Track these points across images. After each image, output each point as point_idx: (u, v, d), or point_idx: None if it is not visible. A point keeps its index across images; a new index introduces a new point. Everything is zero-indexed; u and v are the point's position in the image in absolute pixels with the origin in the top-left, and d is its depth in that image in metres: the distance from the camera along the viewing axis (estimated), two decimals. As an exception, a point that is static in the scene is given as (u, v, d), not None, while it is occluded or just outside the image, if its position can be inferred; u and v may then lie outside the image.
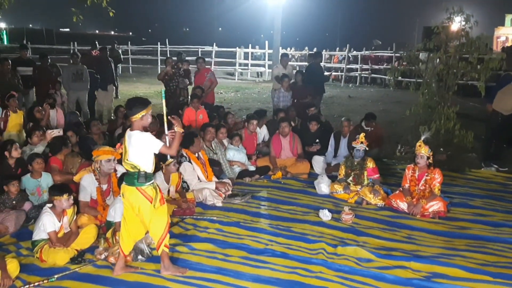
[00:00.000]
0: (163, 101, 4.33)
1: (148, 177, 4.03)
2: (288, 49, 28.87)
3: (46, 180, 5.71)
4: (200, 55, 20.43)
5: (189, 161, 6.37)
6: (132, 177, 4.02)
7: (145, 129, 4.11)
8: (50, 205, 4.67)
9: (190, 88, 11.02)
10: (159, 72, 16.58)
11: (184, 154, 6.40)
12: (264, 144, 8.35)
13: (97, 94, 11.48)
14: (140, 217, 4.10)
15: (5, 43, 40.59)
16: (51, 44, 31.12)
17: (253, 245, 4.88)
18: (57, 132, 6.61)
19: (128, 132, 4.09)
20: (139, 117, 3.99)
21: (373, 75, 23.16)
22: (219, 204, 6.13)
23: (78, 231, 4.77)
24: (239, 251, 4.73)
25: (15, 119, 7.61)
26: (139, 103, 4.07)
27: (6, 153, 5.83)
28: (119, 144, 5.28)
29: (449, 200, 6.17)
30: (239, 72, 26.25)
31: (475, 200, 6.52)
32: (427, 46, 8.44)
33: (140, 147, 3.98)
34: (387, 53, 23.33)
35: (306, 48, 28.54)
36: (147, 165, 4.03)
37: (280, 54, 14.53)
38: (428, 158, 5.96)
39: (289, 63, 11.78)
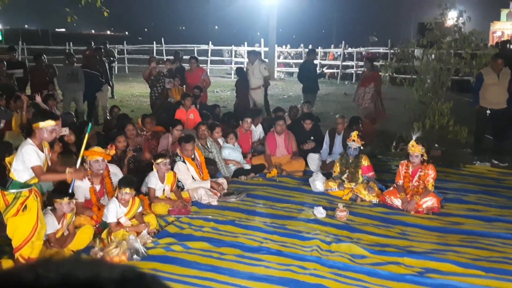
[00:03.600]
0: (87, 135, 4.59)
1: (14, 184, 4.07)
2: (284, 46, 28.79)
3: (47, 183, 5.69)
4: (196, 54, 20.55)
5: (183, 161, 6.38)
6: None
7: (40, 141, 4.09)
8: (51, 207, 4.68)
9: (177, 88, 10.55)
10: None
11: (178, 154, 6.42)
12: (259, 143, 8.36)
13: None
14: None
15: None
16: (47, 44, 30.97)
17: (248, 243, 4.90)
18: (64, 131, 6.45)
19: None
20: (40, 126, 4.02)
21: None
22: (215, 203, 6.14)
23: (75, 232, 4.79)
24: (234, 249, 4.75)
25: (19, 120, 7.60)
26: (48, 114, 4.16)
27: None
28: (110, 144, 5.30)
29: (442, 196, 6.21)
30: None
31: (469, 196, 6.54)
32: (420, 42, 8.50)
33: (19, 155, 4.04)
34: (382, 50, 23.31)
35: (302, 45, 28.44)
36: (19, 174, 4.06)
37: (275, 51, 14.22)
38: (422, 155, 5.99)
39: (261, 59, 11.59)
